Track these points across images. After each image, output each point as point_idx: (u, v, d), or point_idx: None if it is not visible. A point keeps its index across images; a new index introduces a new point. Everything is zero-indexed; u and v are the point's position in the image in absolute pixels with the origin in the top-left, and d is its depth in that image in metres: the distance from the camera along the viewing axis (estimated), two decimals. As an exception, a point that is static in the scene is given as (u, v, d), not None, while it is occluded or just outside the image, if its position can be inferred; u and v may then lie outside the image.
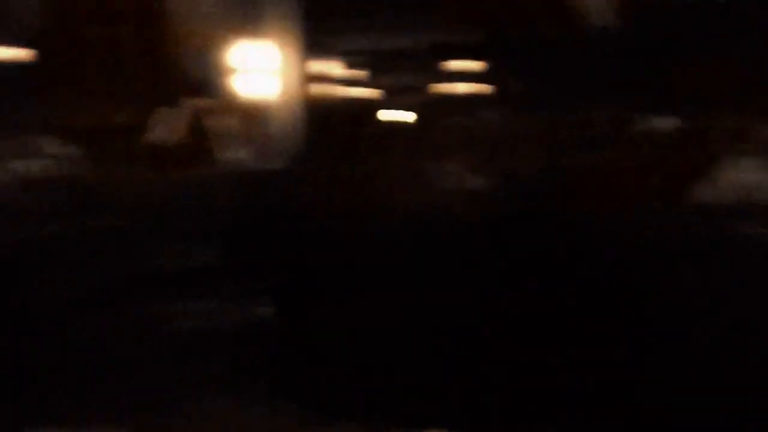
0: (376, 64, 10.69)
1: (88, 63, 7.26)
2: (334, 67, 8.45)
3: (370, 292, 2.62)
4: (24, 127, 6.52)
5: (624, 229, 3.27)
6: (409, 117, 9.84)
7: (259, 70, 7.41)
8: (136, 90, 7.33)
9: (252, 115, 7.10)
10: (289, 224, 2.96)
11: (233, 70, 7.32)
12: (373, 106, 8.56)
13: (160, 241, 4.95)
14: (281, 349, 3.00)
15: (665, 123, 5.66)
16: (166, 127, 6.65)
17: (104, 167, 6.52)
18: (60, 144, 6.71)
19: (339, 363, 2.70)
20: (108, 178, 6.26)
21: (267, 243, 2.96)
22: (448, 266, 3.04)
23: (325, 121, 7.38)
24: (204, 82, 6.80)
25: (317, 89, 8.06)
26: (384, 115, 10.05)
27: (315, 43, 7.84)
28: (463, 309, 2.97)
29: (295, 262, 2.75)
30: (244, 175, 6.01)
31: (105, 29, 7.45)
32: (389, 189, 3.90)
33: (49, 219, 5.00)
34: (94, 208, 5.35)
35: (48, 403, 3.44)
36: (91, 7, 7.43)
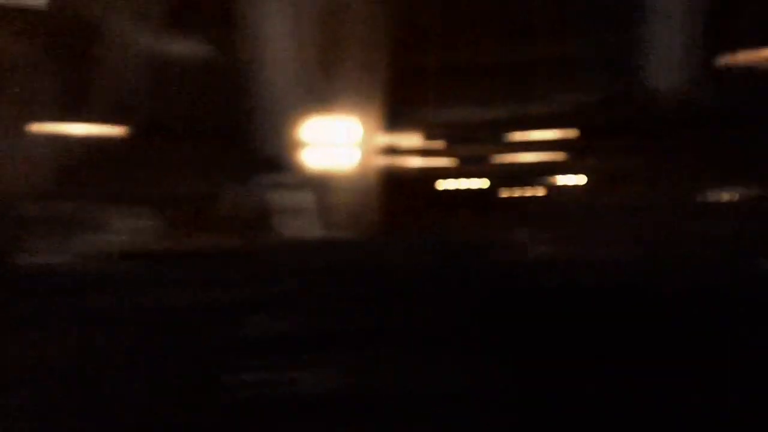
0: (454, 135, 10.74)
1: (174, 137, 7.45)
2: (411, 139, 8.53)
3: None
4: (113, 198, 6.69)
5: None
6: (484, 186, 9.82)
7: (334, 143, 7.51)
8: (213, 163, 7.49)
9: (326, 188, 7.16)
10: (370, 291, 2.95)
11: (307, 144, 7.43)
12: (450, 175, 8.60)
13: (246, 310, 4.99)
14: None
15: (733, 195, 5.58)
16: (239, 199, 6.74)
17: (180, 238, 6.62)
18: (140, 215, 6.85)
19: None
20: (188, 249, 6.35)
21: (358, 309, 2.97)
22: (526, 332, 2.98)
23: (401, 191, 7.42)
24: (278, 156, 6.90)
25: (391, 160, 8.13)
26: (460, 183, 10.07)
27: (390, 115, 7.94)
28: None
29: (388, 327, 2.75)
30: (317, 244, 6.03)
31: (188, 105, 7.66)
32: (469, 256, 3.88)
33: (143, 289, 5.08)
34: (177, 279, 5.43)
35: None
36: (183, 83, 7.64)
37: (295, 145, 7.45)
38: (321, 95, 7.38)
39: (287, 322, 4.90)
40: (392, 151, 7.93)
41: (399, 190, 7.50)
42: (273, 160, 7.35)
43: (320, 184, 7.34)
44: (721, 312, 2.88)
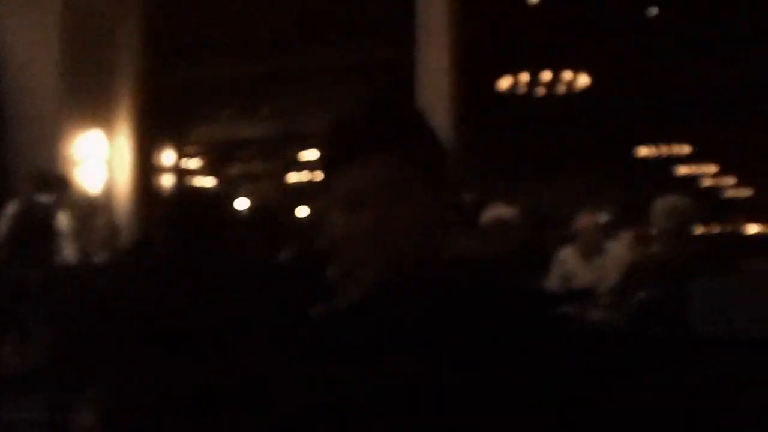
0: (225, 154, 10.53)
1: None
2: (181, 157, 8.25)
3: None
4: None
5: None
6: (256, 205, 9.67)
7: (101, 160, 7.08)
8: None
9: (92, 208, 6.74)
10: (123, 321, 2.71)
11: (75, 162, 6.97)
12: (222, 194, 8.38)
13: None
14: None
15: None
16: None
17: None
18: None
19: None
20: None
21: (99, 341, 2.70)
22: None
23: (170, 212, 7.09)
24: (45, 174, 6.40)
25: (163, 179, 7.80)
26: (231, 203, 9.86)
27: (161, 133, 7.63)
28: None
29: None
30: (79, 270, 5.62)
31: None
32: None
33: None
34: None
35: None
36: None
37: (48, 161, 6.95)
38: (72, 112, 6.94)
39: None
40: (152, 169, 7.59)
41: (159, 208, 7.17)
42: (26, 176, 6.83)
43: (74, 203, 6.88)
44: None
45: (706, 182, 16.47)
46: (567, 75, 8.41)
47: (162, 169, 7.80)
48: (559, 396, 1.13)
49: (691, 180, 15.64)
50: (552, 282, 4.88)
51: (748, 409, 2.79)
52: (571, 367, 1.15)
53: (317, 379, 1.24)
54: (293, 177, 11.56)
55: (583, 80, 8.57)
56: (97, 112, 7.05)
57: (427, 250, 1.24)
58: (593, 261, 4.82)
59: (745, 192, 17.40)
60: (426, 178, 1.26)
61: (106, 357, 2.56)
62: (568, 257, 4.92)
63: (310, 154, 11.07)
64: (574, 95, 8.65)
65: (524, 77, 8.48)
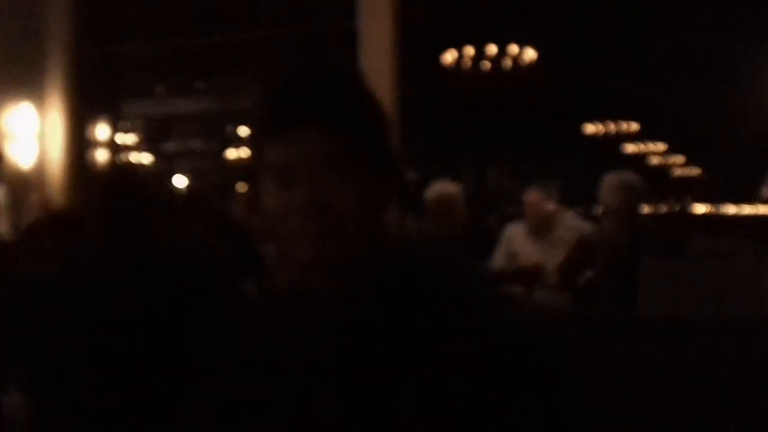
0: (162, 129, 10.35)
1: None
2: (116, 132, 8.08)
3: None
4: None
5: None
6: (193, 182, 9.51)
7: (33, 135, 6.93)
8: None
9: (24, 183, 6.61)
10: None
11: (6, 136, 6.82)
12: (151, 171, 8.19)
13: None
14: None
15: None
16: None
17: None
18: None
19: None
20: None
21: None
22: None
23: (103, 188, 6.91)
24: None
25: (98, 154, 7.66)
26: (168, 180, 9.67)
27: (94, 108, 7.49)
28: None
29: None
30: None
31: None
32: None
33: None
34: None
35: None
36: None
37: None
38: (2, 85, 6.76)
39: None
40: (86, 144, 7.40)
41: (92, 186, 6.96)
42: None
43: (5, 178, 6.71)
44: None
45: (654, 161, 16.61)
46: (513, 49, 8.30)
47: (96, 144, 7.62)
48: (502, 378, 1.10)
49: (640, 158, 15.74)
50: (499, 260, 4.75)
51: (692, 388, 2.78)
52: (512, 348, 1.12)
53: (251, 361, 1.21)
54: (232, 153, 11.42)
55: (530, 54, 8.46)
56: (28, 86, 6.90)
57: (367, 228, 1.17)
58: (541, 239, 4.69)
59: (693, 171, 17.61)
60: (366, 152, 1.18)
61: (32, 337, 2.46)
62: (515, 234, 4.79)
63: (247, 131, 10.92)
64: (521, 69, 8.53)
65: (469, 51, 8.34)
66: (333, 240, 1.14)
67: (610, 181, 4.28)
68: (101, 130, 7.68)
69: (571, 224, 4.81)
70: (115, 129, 8.10)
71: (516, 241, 4.76)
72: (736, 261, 4.12)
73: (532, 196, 4.73)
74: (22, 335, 2.65)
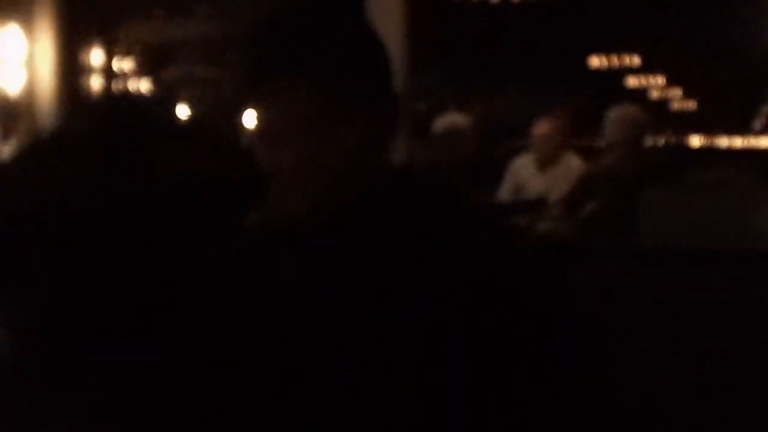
0: (161, 55, 10.17)
1: None
2: (111, 58, 7.90)
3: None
4: None
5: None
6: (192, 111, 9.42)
7: (21, 60, 6.75)
8: None
9: (12, 111, 6.45)
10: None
11: None
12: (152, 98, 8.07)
13: None
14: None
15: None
16: None
17: None
18: None
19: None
20: None
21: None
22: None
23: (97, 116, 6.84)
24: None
25: (92, 81, 7.50)
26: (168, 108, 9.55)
27: (88, 31, 7.26)
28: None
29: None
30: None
31: None
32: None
33: None
34: None
35: None
36: None
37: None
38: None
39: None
40: (79, 69, 7.21)
41: (88, 114, 6.89)
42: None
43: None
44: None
45: (654, 94, 16.61)
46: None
47: (90, 70, 7.41)
48: (504, 310, 1.07)
49: (641, 92, 15.74)
50: (505, 192, 4.88)
51: (693, 321, 2.87)
52: (518, 279, 1.10)
53: (246, 296, 1.17)
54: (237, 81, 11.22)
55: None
56: (14, 5, 6.64)
57: (362, 170, 1.14)
58: (547, 171, 4.82)
59: (690, 104, 17.63)
60: (372, 87, 1.14)
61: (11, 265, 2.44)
62: (521, 167, 4.91)
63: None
64: (528, 3, 8.54)
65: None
66: (324, 191, 1.12)
67: (614, 115, 4.37)
68: (95, 56, 7.45)
69: (575, 159, 4.94)
70: (111, 54, 7.87)
71: (522, 173, 4.89)
72: (733, 191, 4.21)
73: (542, 126, 4.84)
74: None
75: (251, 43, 1.15)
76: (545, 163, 4.82)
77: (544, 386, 1.08)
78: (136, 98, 7.64)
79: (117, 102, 2.96)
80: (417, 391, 1.04)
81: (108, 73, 7.80)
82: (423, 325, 1.05)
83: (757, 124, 16.10)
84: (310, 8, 1.14)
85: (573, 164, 4.81)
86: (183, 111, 10.82)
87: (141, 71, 9.64)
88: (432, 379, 1.04)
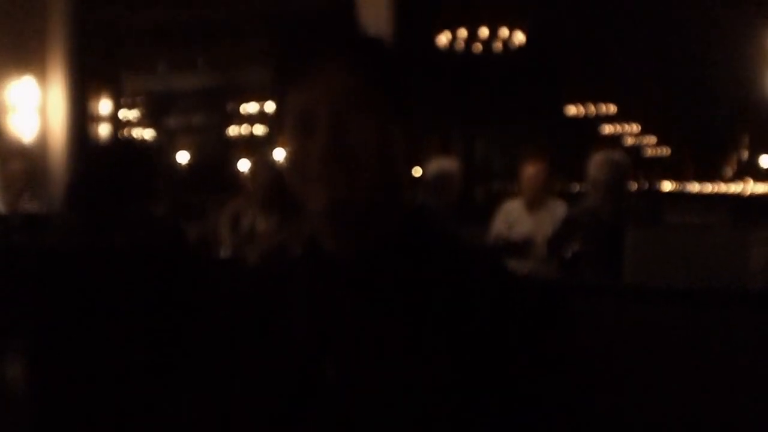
0: (164, 105, 10.29)
1: None
2: (118, 108, 8.02)
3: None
4: None
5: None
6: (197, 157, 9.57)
7: (34, 108, 6.91)
8: None
9: (25, 157, 6.56)
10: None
11: (7, 110, 6.78)
12: (155, 146, 8.22)
13: None
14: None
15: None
16: None
17: None
18: None
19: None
20: None
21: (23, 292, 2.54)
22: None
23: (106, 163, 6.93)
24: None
25: (100, 129, 7.63)
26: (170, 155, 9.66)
27: (96, 82, 7.42)
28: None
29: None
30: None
31: None
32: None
33: None
34: None
35: None
36: None
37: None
38: (2, 57, 6.73)
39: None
40: (87, 118, 7.41)
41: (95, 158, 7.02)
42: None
43: (5, 152, 6.69)
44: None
45: (629, 141, 16.94)
46: (504, 32, 8.54)
47: (98, 119, 7.65)
48: (491, 343, 1.10)
49: (616, 138, 16.06)
50: (497, 232, 5.05)
51: (676, 357, 2.90)
52: (503, 316, 1.12)
53: (256, 325, 1.21)
54: (234, 130, 11.43)
55: (519, 38, 8.72)
56: (29, 59, 6.87)
57: (384, 175, 1.15)
58: (534, 213, 5.02)
59: (663, 150, 17.96)
60: (384, 93, 1.16)
61: (30, 307, 2.44)
62: (512, 209, 5.11)
63: (251, 107, 10.98)
64: (510, 52, 8.80)
65: (462, 33, 8.57)
66: (349, 186, 1.12)
67: (598, 159, 4.54)
68: (103, 105, 7.69)
69: (560, 203, 5.12)
70: (118, 104, 8.07)
71: (513, 214, 5.08)
72: (715, 231, 4.31)
73: (530, 169, 5.03)
74: (19, 305, 2.65)
75: (288, 41, 1.21)
76: (533, 204, 5.01)
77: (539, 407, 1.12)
78: (140, 144, 7.70)
79: (124, 147, 2.89)
80: (431, 412, 1.07)
81: (115, 121, 7.95)
82: (433, 353, 1.09)
83: (728, 170, 16.45)
84: (334, 16, 1.21)
85: (558, 208, 4.99)
86: (183, 157, 10.98)
87: (145, 120, 9.79)
88: (444, 402, 1.08)
